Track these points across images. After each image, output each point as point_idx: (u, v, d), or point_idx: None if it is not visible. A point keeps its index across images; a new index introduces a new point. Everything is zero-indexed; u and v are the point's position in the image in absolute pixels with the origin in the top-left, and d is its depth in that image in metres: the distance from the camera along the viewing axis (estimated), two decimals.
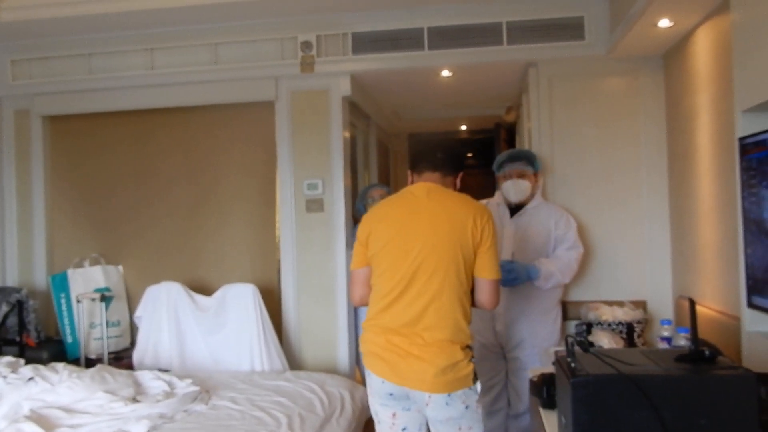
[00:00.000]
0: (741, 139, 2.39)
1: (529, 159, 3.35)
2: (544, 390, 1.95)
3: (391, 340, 2.18)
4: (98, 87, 4.21)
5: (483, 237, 2.21)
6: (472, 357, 2.19)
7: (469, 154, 8.50)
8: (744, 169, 2.38)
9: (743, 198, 2.39)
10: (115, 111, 4.29)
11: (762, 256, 2.25)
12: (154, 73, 4.15)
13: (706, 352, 1.49)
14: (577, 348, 1.60)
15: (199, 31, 4.06)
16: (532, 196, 3.37)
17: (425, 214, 2.24)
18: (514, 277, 3.12)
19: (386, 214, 2.34)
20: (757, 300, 2.30)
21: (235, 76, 4.08)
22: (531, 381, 2.18)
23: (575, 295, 3.75)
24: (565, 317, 3.71)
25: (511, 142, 5.71)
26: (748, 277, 2.36)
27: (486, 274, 2.22)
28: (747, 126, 2.40)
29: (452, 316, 2.16)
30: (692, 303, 1.59)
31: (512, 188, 3.32)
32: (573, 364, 1.51)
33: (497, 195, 3.46)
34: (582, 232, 3.67)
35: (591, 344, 3.19)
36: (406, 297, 2.19)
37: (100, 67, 4.20)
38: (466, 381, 2.14)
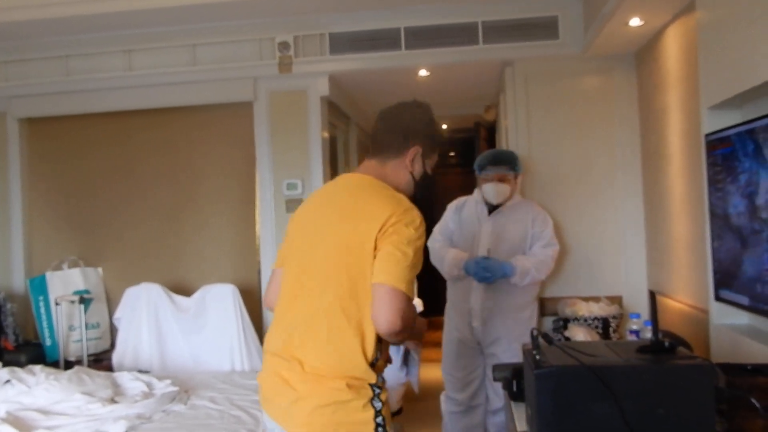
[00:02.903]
0: (707, 135, 2.44)
1: (511, 163, 3.35)
2: (514, 383, 1.98)
3: (273, 362, 1.76)
4: (76, 89, 4.20)
5: (387, 235, 1.65)
6: (374, 398, 1.68)
7: (451, 153, 8.56)
8: (710, 165, 2.43)
9: (710, 193, 2.44)
10: (93, 113, 4.28)
11: (728, 250, 2.30)
12: (132, 75, 4.14)
13: (666, 343, 1.53)
14: (542, 341, 1.63)
15: (177, 32, 4.06)
16: (510, 196, 3.40)
17: (331, 215, 1.77)
18: (489, 275, 3.15)
19: (301, 210, 1.91)
20: (724, 293, 2.35)
21: (214, 77, 4.08)
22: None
23: (553, 292, 3.80)
24: (543, 313, 3.75)
25: (491, 140, 5.76)
26: (715, 271, 2.41)
27: (379, 277, 1.63)
28: (713, 122, 2.45)
29: (341, 342, 1.67)
30: (653, 295, 1.63)
31: (492, 191, 3.32)
32: (537, 356, 1.54)
33: (476, 192, 3.48)
34: (558, 230, 3.72)
35: (567, 339, 3.25)
36: (291, 313, 1.76)
37: (78, 69, 4.18)
38: (358, 428, 1.65)
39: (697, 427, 1.41)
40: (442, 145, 1.97)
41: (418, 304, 4.19)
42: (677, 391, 1.42)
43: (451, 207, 3.53)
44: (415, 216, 1.70)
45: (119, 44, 4.11)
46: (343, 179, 1.91)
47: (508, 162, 3.34)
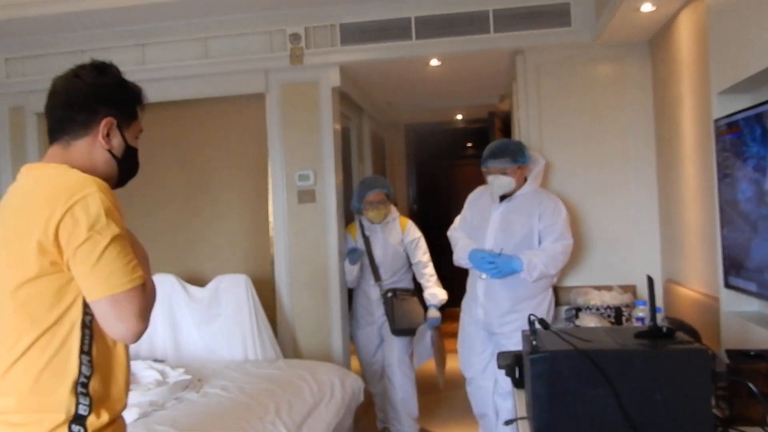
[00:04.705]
0: (716, 120, 2.40)
1: (511, 155, 3.31)
2: (516, 370, 1.98)
3: None
4: None
5: (72, 237, 1.33)
6: None
7: (468, 144, 8.53)
8: (719, 151, 2.39)
9: (719, 179, 2.41)
10: None
11: (737, 236, 2.27)
12: (145, 69, 4.18)
13: (664, 329, 1.52)
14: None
15: (189, 25, 4.09)
16: (519, 185, 3.38)
17: (3, 224, 1.43)
18: (497, 270, 3.18)
19: None
20: (734, 280, 2.32)
21: (226, 70, 4.11)
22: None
23: (567, 281, 3.77)
24: (557, 303, 3.72)
25: (506, 130, 5.73)
26: (725, 258, 2.38)
27: (91, 294, 1.35)
28: (723, 108, 2.41)
29: (24, 375, 1.35)
30: (650, 281, 1.62)
31: (494, 183, 3.34)
32: (534, 342, 1.54)
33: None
34: (572, 218, 3.69)
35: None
36: None
37: None
38: None
39: (693, 412, 1.40)
40: (140, 105, 1.63)
41: (440, 293, 3.97)
42: (673, 376, 1.41)
43: (470, 197, 3.60)
44: (93, 203, 1.35)
45: (133, 38, 4.16)
46: (22, 175, 1.50)
47: (508, 154, 3.31)
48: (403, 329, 3.88)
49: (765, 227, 2.03)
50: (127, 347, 1.48)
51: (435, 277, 4.04)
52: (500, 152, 3.34)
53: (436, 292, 3.98)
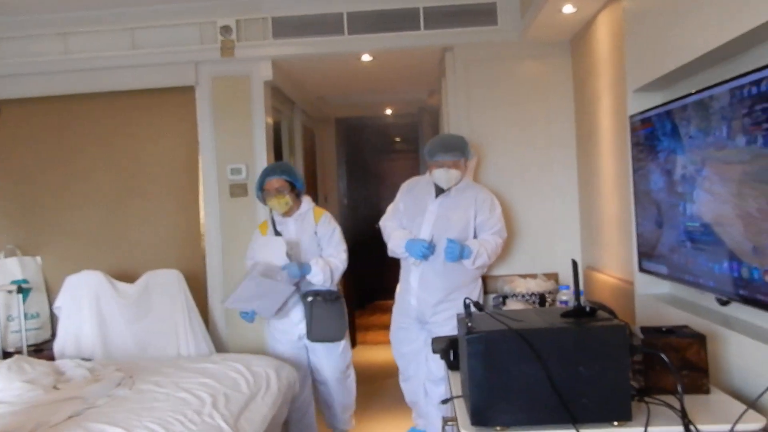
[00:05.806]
0: (631, 116, 2.58)
1: (462, 150, 3.38)
2: (450, 353, 2.07)
3: None
4: (8, 72, 4.07)
5: None
6: None
7: (397, 139, 8.65)
8: (634, 145, 2.57)
9: (634, 171, 2.59)
10: (28, 97, 4.16)
11: (649, 224, 2.45)
12: (68, 59, 4.05)
13: (587, 308, 1.64)
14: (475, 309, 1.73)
15: (115, 15, 4.00)
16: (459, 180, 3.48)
17: None
18: (453, 256, 3.25)
19: None
20: (647, 264, 2.50)
21: (154, 61, 4.04)
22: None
23: (495, 271, 3.92)
24: (485, 291, 3.87)
25: (435, 125, 5.86)
26: (639, 245, 2.56)
27: None
28: (638, 105, 2.59)
29: None
30: (575, 264, 1.74)
31: (443, 177, 3.36)
32: (469, 323, 1.63)
33: (428, 174, 3.52)
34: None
35: None
36: None
37: (11, 52, 4.06)
38: None
39: (613, 382, 1.53)
40: None
41: (317, 276, 3.40)
42: (595, 350, 1.53)
43: (403, 188, 3.63)
44: None
45: (54, 27, 4.01)
46: None
47: (458, 149, 3.37)
48: (322, 339, 3.49)
49: (673, 215, 2.21)
50: None
51: (336, 270, 3.47)
52: (453, 146, 3.37)
53: (319, 272, 3.39)
